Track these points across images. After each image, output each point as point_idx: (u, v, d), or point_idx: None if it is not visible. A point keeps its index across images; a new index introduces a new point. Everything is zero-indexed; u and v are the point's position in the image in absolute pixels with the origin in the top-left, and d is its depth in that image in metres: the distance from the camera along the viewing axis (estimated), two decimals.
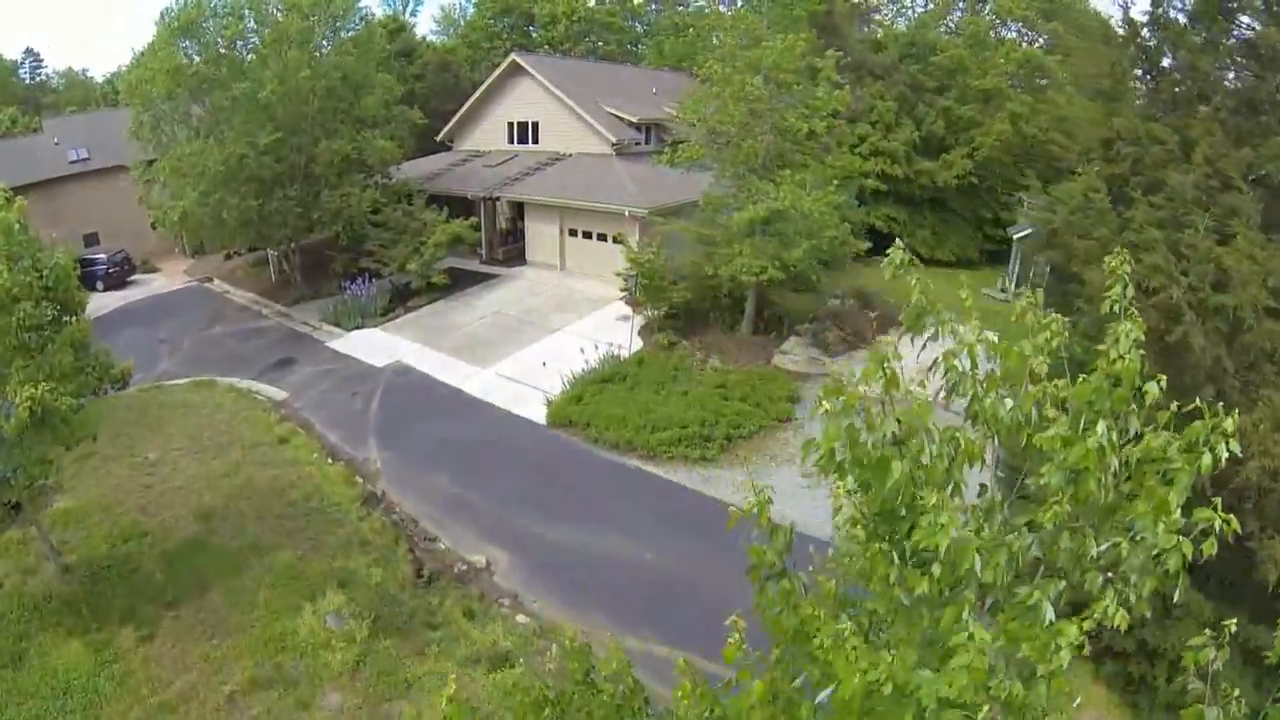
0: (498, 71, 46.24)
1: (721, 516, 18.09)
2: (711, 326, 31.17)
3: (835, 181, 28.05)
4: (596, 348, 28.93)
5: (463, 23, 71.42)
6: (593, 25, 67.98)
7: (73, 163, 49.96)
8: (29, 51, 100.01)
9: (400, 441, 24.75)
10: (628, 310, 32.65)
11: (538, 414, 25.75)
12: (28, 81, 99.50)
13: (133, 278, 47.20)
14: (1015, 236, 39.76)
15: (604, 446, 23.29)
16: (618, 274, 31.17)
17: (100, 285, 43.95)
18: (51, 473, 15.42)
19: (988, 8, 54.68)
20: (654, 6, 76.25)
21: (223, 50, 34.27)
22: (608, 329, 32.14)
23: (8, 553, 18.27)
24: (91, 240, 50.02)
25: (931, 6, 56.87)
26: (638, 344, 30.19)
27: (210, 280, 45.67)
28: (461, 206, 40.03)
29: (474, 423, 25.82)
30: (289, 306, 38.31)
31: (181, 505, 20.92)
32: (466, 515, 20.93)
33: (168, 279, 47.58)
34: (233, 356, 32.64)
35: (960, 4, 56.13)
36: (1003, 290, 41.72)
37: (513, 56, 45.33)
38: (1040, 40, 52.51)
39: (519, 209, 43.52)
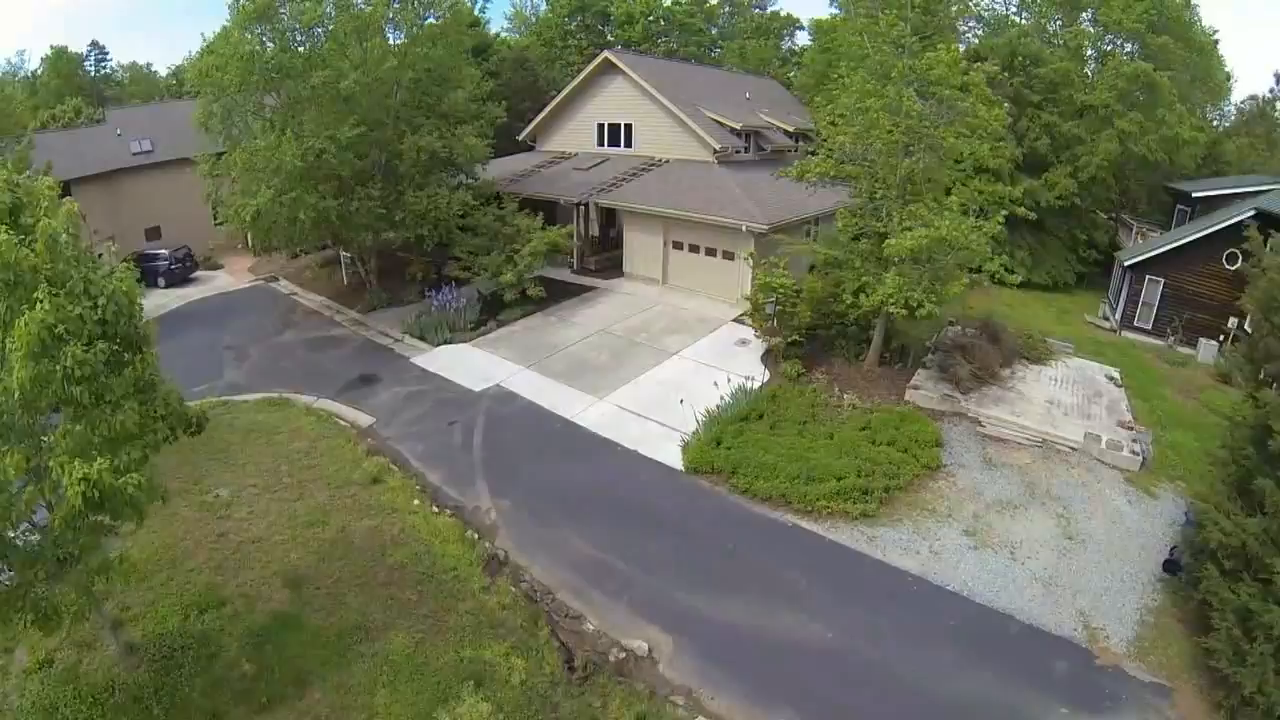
0: (588, 70, 42.10)
1: (895, 585, 15.67)
2: (834, 355, 27.56)
3: (984, 208, 24.44)
4: (729, 380, 25.02)
5: (535, 20, 66.98)
6: (671, 26, 63.57)
7: (135, 154, 46.61)
8: (94, 44, 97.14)
9: (515, 486, 20.48)
10: (745, 334, 29.21)
11: (672, 457, 21.63)
12: (93, 74, 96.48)
13: (195, 275, 43.64)
14: (1126, 263, 35.46)
15: (754, 499, 19.27)
16: (747, 297, 27.76)
17: (162, 282, 40.91)
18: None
19: (1084, 17, 50.20)
20: (726, 9, 71.74)
21: (300, 36, 29.91)
22: (727, 354, 28.10)
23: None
24: (153, 235, 46.65)
25: (1027, 19, 52.10)
26: (761, 373, 26.37)
27: (276, 280, 41.76)
28: (545, 211, 36.01)
29: (598, 465, 21.52)
30: (364, 314, 34.16)
31: (264, 563, 16.89)
32: (612, 585, 16.76)
33: (231, 277, 43.78)
34: (306, 369, 28.53)
35: (1057, 16, 51.36)
36: (1105, 318, 38.07)
37: (605, 54, 41.12)
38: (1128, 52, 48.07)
39: (609, 216, 39.35)
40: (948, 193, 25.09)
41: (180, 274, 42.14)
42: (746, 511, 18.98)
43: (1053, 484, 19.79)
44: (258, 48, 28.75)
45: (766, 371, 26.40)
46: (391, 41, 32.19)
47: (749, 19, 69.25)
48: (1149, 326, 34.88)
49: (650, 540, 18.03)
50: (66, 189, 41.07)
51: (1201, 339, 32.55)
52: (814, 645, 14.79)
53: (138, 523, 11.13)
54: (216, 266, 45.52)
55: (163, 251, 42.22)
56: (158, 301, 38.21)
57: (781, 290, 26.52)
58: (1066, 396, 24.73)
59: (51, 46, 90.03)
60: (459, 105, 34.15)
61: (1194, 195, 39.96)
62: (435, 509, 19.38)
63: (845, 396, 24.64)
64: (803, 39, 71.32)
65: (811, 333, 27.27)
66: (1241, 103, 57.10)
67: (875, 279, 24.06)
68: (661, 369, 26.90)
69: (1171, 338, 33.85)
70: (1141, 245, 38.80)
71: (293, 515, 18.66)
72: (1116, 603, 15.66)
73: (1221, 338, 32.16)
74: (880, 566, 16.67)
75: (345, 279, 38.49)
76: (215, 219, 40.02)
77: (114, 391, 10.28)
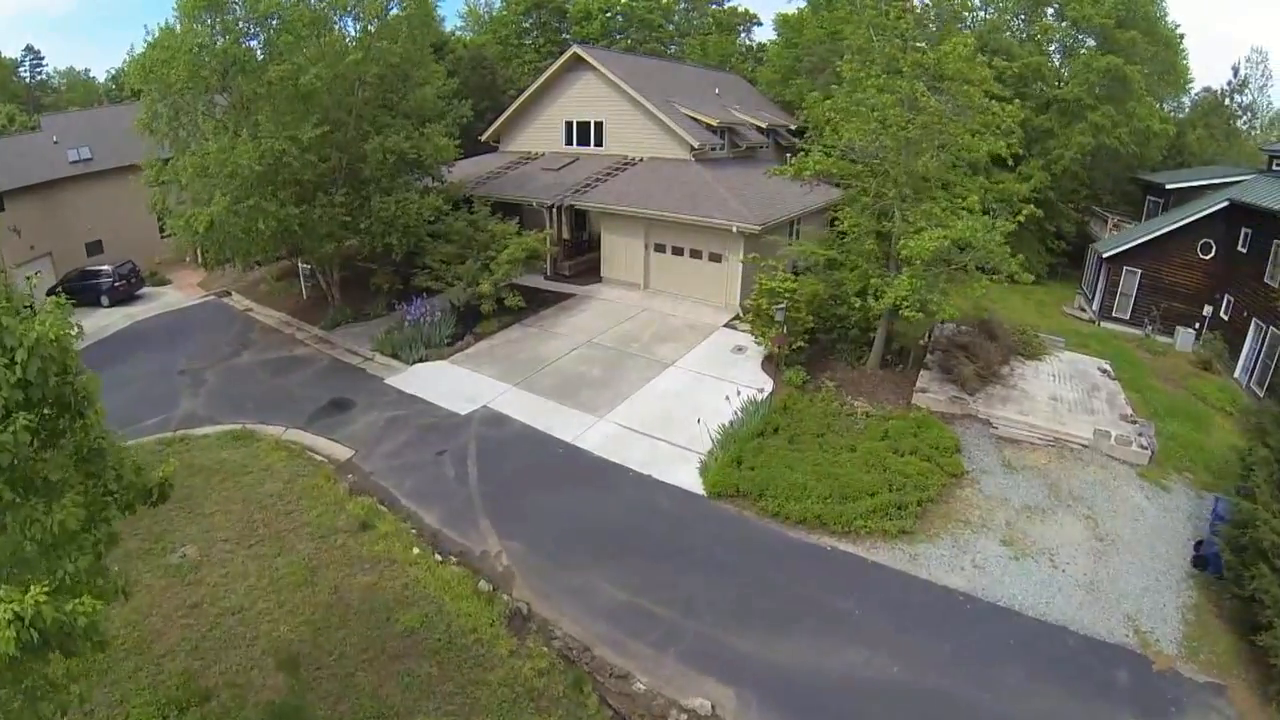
0: (555, 65, 39.45)
1: (947, 606, 14.67)
2: (835, 359, 25.84)
3: (995, 206, 23.34)
4: (739, 392, 23.03)
5: (489, 18, 63.84)
6: (630, 22, 60.96)
7: (74, 163, 42.73)
8: (29, 49, 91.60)
9: (524, 524, 18.04)
10: (740, 340, 27.31)
11: (689, 480, 19.48)
12: (28, 80, 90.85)
13: (141, 291, 39.90)
14: (1105, 254, 34.77)
15: (787, 523, 17.59)
16: (750, 303, 25.67)
17: (105, 301, 37.49)
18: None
19: (1049, 12, 49.06)
20: (682, 5, 69.36)
21: (253, 28, 26.84)
22: (725, 363, 26.02)
23: None
24: (95, 249, 42.98)
25: (991, 14, 50.85)
26: (764, 381, 24.41)
27: (229, 295, 38.36)
28: (513, 214, 33.40)
29: (610, 493, 19.20)
30: (328, 330, 31.16)
31: (249, 640, 14.25)
32: (654, 634, 14.67)
33: (181, 293, 40.18)
34: (270, 395, 25.61)
35: (1021, 13, 50.15)
36: (1081, 309, 37.63)
37: (574, 49, 38.54)
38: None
39: (580, 219, 36.77)
40: (944, 187, 23.77)
41: (125, 291, 38.44)
42: (781, 537, 17.28)
43: (1073, 484, 19.04)
44: (207, 40, 25.62)
45: (769, 380, 24.51)
46: (352, 34, 29.27)
47: (708, 14, 66.88)
48: (1127, 316, 34.55)
49: (685, 578, 16.02)
50: None
51: (1179, 327, 32.30)
52: (883, 682, 13.49)
53: (97, 649, 8.38)
54: (164, 282, 41.84)
55: (105, 268, 38.52)
56: (101, 322, 34.84)
57: (787, 294, 24.33)
58: (1067, 392, 24.03)
59: None
60: (427, 102, 31.29)
61: (1168, 187, 39.09)
62: (439, 557, 16.86)
63: (856, 404, 22.92)
64: (760, 35, 69.58)
65: (811, 337, 25.39)
66: (1197, 94, 56.42)
67: (884, 280, 22.56)
68: (659, 381, 24.63)
69: (1149, 327, 33.36)
70: (1119, 236, 38.01)
71: (275, 575, 15.95)
72: (1157, 603, 15.21)
73: (1197, 325, 32.16)
74: (928, 587, 15.54)
75: (305, 292, 35.35)
76: (162, 231, 36.59)
77: (48, 475, 7.57)
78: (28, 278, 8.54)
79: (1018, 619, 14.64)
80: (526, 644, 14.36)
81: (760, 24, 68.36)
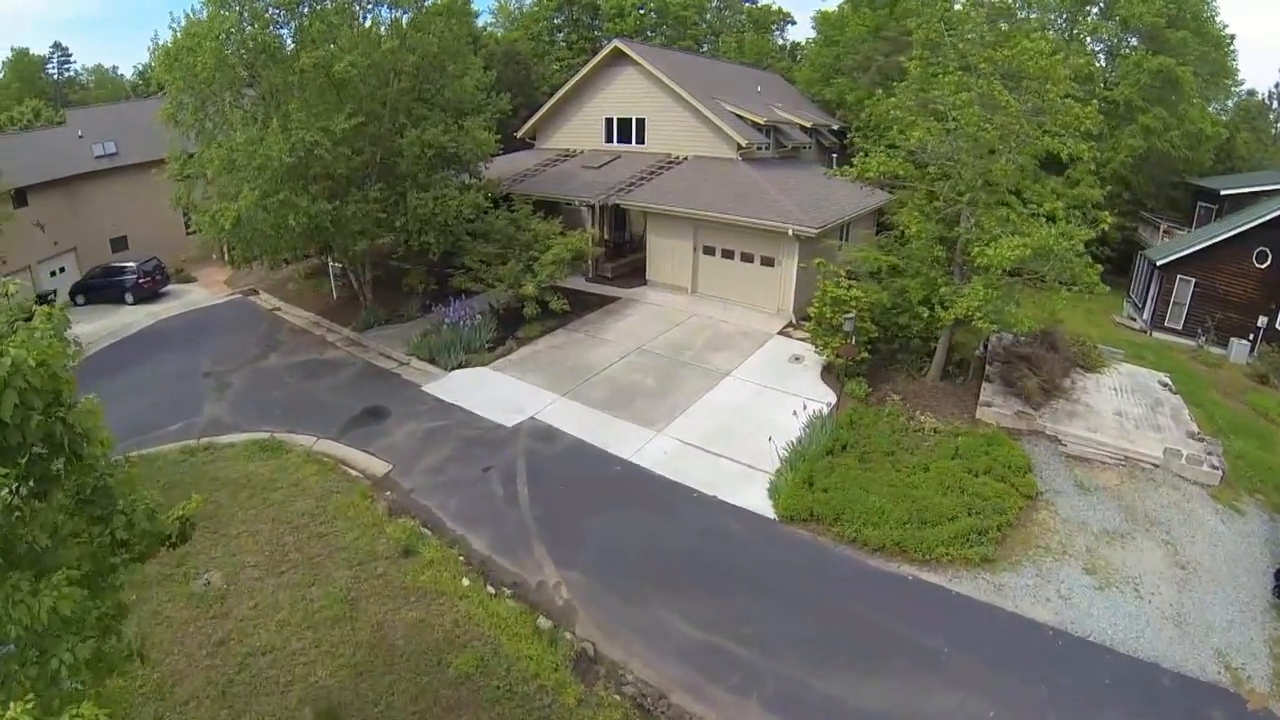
0: (595, 60, 37.63)
1: (1038, 642, 13.66)
2: (895, 370, 24.11)
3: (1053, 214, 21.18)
4: (805, 406, 21.20)
5: (519, 14, 62.15)
6: (664, 19, 59.08)
7: (99, 158, 41.41)
8: (57, 46, 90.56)
9: (583, 551, 16.20)
10: (796, 348, 25.52)
11: (759, 502, 17.70)
12: (55, 77, 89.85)
13: (166, 289, 38.43)
14: (1159, 262, 32.87)
15: (865, 550, 16.07)
16: (821, 311, 23.53)
17: (129, 298, 36.18)
18: None
19: (1093, 11, 47.01)
20: (715, 3, 67.50)
21: (283, 15, 25.16)
22: (783, 373, 24.14)
23: None
24: (120, 245, 41.66)
25: (1036, 13, 48.89)
26: (826, 393, 22.66)
27: (256, 293, 36.71)
28: (550, 213, 31.34)
29: (674, 516, 17.35)
30: (359, 332, 29.39)
31: (282, 686, 12.48)
32: (735, 677, 13.04)
33: (206, 291, 38.63)
34: (300, 401, 23.83)
35: (1064, 13, 48.11)
36: (1131, 318, 35.92)
37: (615, 43, 36.77)
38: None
39: (622, 219, 34.92)
40: (1015, 192, 22.12)
41: (149, 289, 37.00)
42: (860, 566, 15.73)
43: (1148, 507, 17.82)
44: (234, 25, 23.94)
45: (831, 392, 22.79)
46: (386, 23, 27.55)
47: (742, 12, 64.97)
48: (1179, 327, 32.85)
49: (763, 613, 14.41)
50: (22, 196, 36.23)
51: (1233, 339, 30.69)
52: None
53: None
54: (189, 279, 40.37)
55: (130, 264, 37.05)
56: (125, 320, 33.41)
57: (856, 303, 22.57)
58: (1131, 407, 22.67)
59: (12, 48, 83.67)
60: (466, 95, 29.45)
61: (1222, 193, 37.06)
62: (492, 589, 15.04)
63: (923, 418, 21.26)
64: (793, 34, 67.69)
65: (871, 347, 23.63)
66: (1244, 97, 54.15)
67: (953, 290, 21.04)
68: (716, 393, 22.76)
69: (1202, 338, 31.77)
70: (1172, 244, 36.14)
71: (309, 608, 14.13)
72: (1244, 636, 14.16)
73: (1251, 336, 30.57)
74: (1016, 621, 14.22)
75: (335, 292, 33.64)
76: (188, 227, 35.03)
77: (35, 537, 5.68)
78: (7, 284, 6.57)
79: (1110, 656, 13.46)
80: (595, 691, 12.64)
81: (794, 22, 66.58)
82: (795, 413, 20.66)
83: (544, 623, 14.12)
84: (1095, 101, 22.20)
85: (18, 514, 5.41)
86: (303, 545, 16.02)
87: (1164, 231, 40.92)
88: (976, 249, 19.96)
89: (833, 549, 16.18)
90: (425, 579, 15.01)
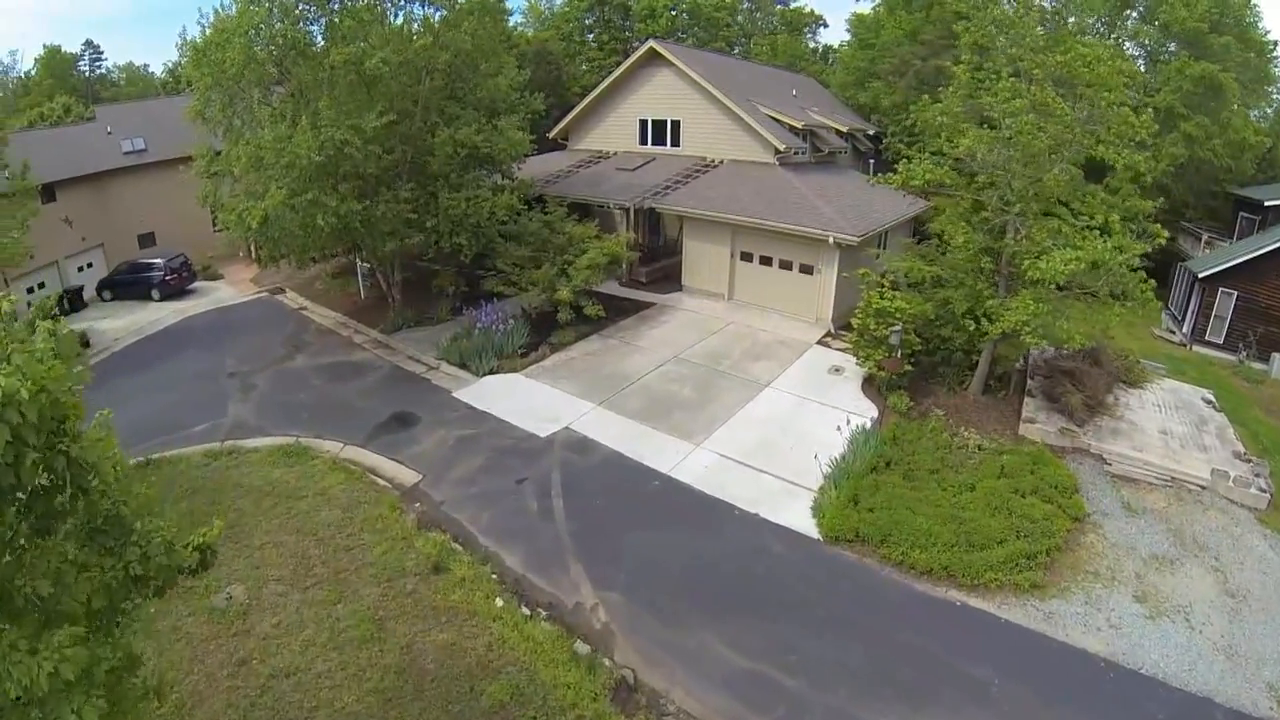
0: (630, 61, 36.90)
1: (1089, 674, 13.20)
2: (936, 383, 23.27)
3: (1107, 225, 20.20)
4: (849, 421, 20.32)
5: (549, 14, 61.53)
6: (696, 20, 58.24)
7: (127, 154, 41.13)
8: (89, 44, 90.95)
9: (621, 570, 15.38)
10: (835, 358, 24.77)
11: (802, 521, 16.90)
12: (87, 74, 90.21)
13: (193, 285, 38.08)
14: (1200, 274, 31.72)
15: (912, 574, 15.32)
16: (865, 322, 22.67)
17: (156, 295, 35.94)
18: None
19: (1131, 15, 45.78)
20: (746, 4, 66.61)
21: (313, 10, 24.54)
22: (823, 385, 23.32)
23: None
24: (147, 241, 41.40)
25: (1073, 19, 47.68)
26: (867, 407, 21.88)
27: (282, 292, 36.19)
28: (582, 215, 30.91)
29: (717, 536, 16.49)
30: (388, 334, 28.71)
31: (307, 711, 11.88)
32: (781, 709, 12.28)
33: (233, 288, 38.19)
34: (326, 405, 23.15)
35: (1101, 18, 46.90)
36: (1171, 331, 34.61)
37: (650, 44, 35.97)
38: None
39: (656, 223, 34.11)
40: (1066, 205, 21.34)
41: (176, 285, 36.66)
42: (907, 590, 14.98)
43: (1196, 531, 17.07)
44: (263, 22, 23.37)
45: (872, 405, 21.97)
46: (418, 18, 26.97)
47: (774, 14, 64.06)
48: (1220, 340, 31.75)
49: (809, 639, 13.65)
50: (50, 192, 35.90)
51: (1275, 354, 29.65)
52: None
53: None
54: (216, 277, 39.97)
55: (157, 261, 36.66)
56: (151, 317, 33.01)
57: (900, 314, 21.75)
58: (1176, 425, 21.88)
59: (45, 46, 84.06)
60: (500, 93, 28.72)
61: (1267, 204, 35.83)
62: (526, 611, 14.24)
63: (967, 435, 20.44)
64: (825, 37, 66.72)
65: (913, 359, 22.81)
66: None
67: (1000, 303, 20.28)
68: (756, 405, 21.92)
69: (1244, 353, 30.66)
70: (1214, 255, 34.96)
71: (336, 627, 13.38)
72: None
73: None
74: (1067, 651, 13.47)
75: (363, 292, 33.06)
76: (215, 224, 34.60)
77: (36, 585, 4.89)
78: (6, 301, 5.78)
79: (1162, 690, 12.81)
80: None
81: (826, 25, 65.61)
82: (839, 428, 19.86)
83: (582, 648, 13.32)
84: (1149, 110, 21.21)
85: (17, 556, 4.63)
86: (328, 559, 15.29)
87: (1205, 242, 39.72)
88: (1027, 262, 19.20)
89: (879, 571, 15.42)
90: (457, 598, 14.24)
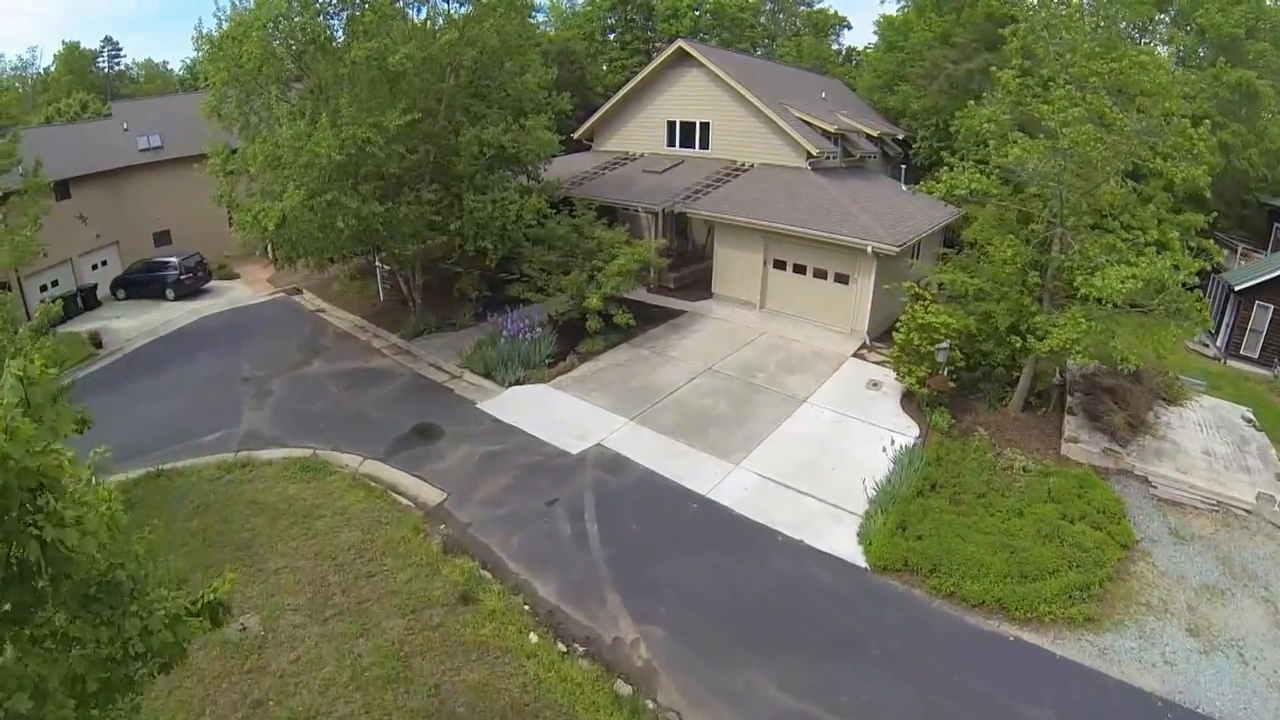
0: (657, 61, 35.84)
1: (1146, 714, 12.55)
2: (974, 399, 22.24)
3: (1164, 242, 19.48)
4: (893, 442, 19.27)
5: (571, 13, 60.58)
6: (720, 21, 57.13)
7: (143, 151, 40.37)
8: (108, 40, 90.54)
9: (661, 601, 14.35)
10: (873, 372, 23.78)
11: (847, 548, 15.97)
12: (105, 71, 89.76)
13: (208, 285, 37.32)
14: (1237, 287, 30.57)
15: (962, 606, 14.45)
16: (909, 337, 21.47)
17: (170, 294, 35.27)
18: None
19: (1162, 19, 44.51)
20: (769, 5, 65.49)
21: (335, 3, 23.58)
22: (862, 400, 22.24)
23: None
24: (162, 240, 40.71)
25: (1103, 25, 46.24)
26: (907, 424, 20.88)
27: (299, 292, 35.32)
28: (607, 218, 29.56)
29: (759, 563, 15.48)
30: (408, 340, 27.71)
31: None
32: None
33: (249, 288, 37.38)
34: (344, 415, 22.16)
35: (1133, 23, 45.53)
36: (1204, 344, 33.25)
37: (679, 43, 34.94)
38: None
39: (683, 227, 33.03)
40: (1115, 218, 20.35)
41: (191, 285, 35.94)
42: (959, 624, 14.10)
43: (1245, 559, 16.30)
44: (284, 10, 22.40)
45: (913, 422, 20.95)
46: (443, 9, 26.01)
47: (797, 15, 62.93)
48: (1255, 355, 30.80)
49: (860, 678, 12.77)
50: (64, 188, 35.09)
51: None
52: None
53: None
54: (232, 276, 39.18)
55: (172, 260, 35.96)
56: (165, 317, 32.24)
57: (945, 330, 20.69)
58: (1218, 444, 20.92)
59: (64, 42, 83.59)
60: (528, 92, 27.64)
61: None
62: (563, 647, 13.19)
63: (1011, 455, 19.38)
64: (848, 38, 65.60)
65: (955, 375, 21.76)
66: None
67: (1048, 319, 19.36)
68: (795, 422, 20.85)
69: (1279, 367, 29.62)
70: (1252, 268, 33.67)
71: (358, 665, 12.34)
72: None
73: None
74: (1125, 690, 12.69)
75: (382, 295, 32.12)
76: (231, 223, 33.72)
77: (14, 701, 3.86)
78: None
79: None
80: None
81: (850, 27, 64.49)
82: (884, 449, 18.90)
83: (623, 688, 12.31)
84: (1206, 121, 20.03)
85: None
86: (349, 586, 14.26)
87: (1241, 254, 38.47)
88: (1080, 277, 18.33)
89: (929, 604, 14.50)
90: (487, 632, 13.20)
